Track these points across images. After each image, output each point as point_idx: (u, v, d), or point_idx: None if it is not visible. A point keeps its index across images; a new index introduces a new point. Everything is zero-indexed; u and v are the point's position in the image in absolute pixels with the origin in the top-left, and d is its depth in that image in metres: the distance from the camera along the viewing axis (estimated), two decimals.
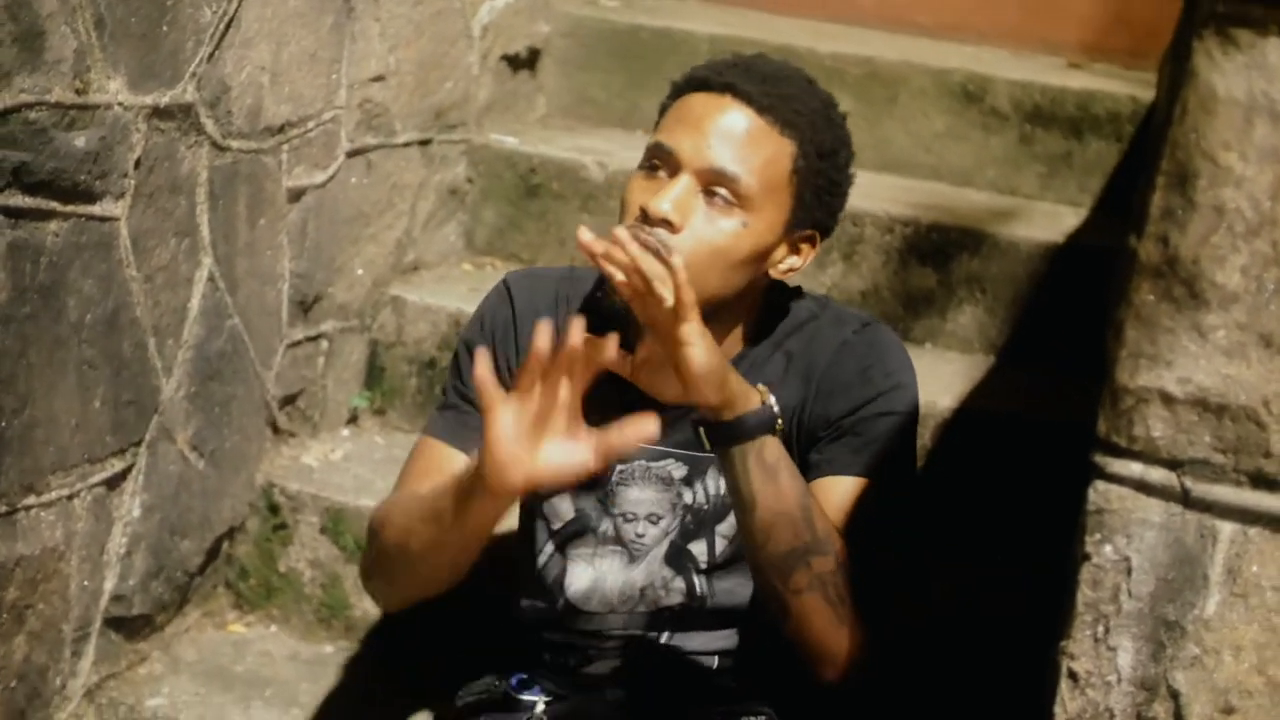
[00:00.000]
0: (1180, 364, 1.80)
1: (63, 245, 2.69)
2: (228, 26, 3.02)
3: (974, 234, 3.73)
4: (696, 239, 2.29)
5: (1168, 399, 1.82)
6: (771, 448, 2.24)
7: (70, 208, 2.70)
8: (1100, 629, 1.91)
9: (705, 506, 2.52)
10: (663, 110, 2.42)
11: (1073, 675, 1.93)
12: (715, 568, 2.51)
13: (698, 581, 2.53)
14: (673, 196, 2.29)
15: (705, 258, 2.30)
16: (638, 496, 2.52)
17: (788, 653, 2.41)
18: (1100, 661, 1.91)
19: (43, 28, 2.55)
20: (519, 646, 2.64)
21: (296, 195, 3.37)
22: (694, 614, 2.54)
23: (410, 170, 3.81)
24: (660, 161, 2.34)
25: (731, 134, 2.31)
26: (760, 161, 2.32)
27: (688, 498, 2.52)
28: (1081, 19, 4.48)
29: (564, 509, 2.56)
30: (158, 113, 2.87)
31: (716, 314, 2.34)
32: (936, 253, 3.73)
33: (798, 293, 2.56)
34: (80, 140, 2.68)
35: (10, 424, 2.63)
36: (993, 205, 3.95)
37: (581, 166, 3.96)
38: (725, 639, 2.55)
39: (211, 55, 2.99)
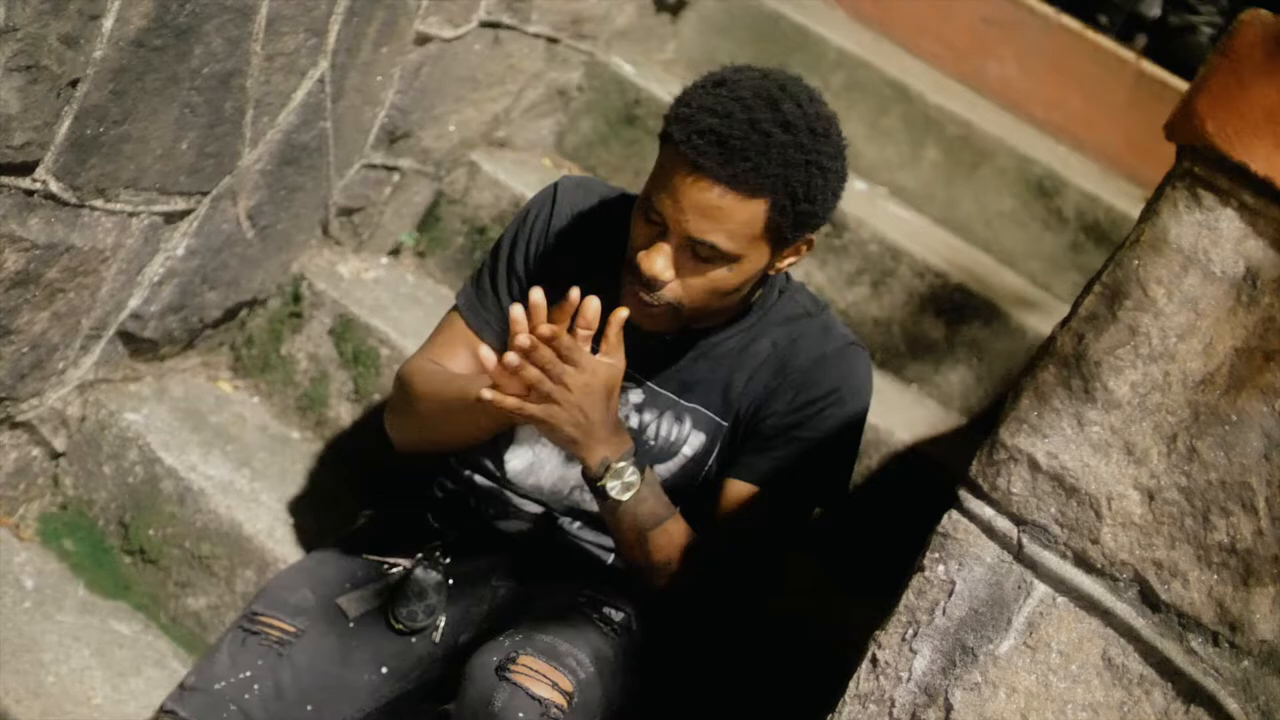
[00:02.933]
0: (1054, 441, 2.08)
1: (209, 1, 2.99)
2: None
3: (992, 308, 4.00)
4: (687, 286, 2.59)
5: (1034, 465, 2.09)
6: (609, 506, 2.63)
7: None
8: (910, 631, 2.19)
9: (651, 443, 2.79)
10: (661, 140, 2.59)
11: (874, 660, 2.21)
12: None
13: None
14: (661, 260, 2.56)
15: (700, 295, 2.61)
16: None
17: None
18: (900, 657, 2.19)
19: None
20: (451, 483, 2.94)
21: (423, 40, 3.67)
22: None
23: (530, 59, 4.09)
24: (654, 215, 2.56)
25: (704, 208, 2.51)
26: (734, 225, 2.52)
27: (634, 422, 2.79)
28: (1170, 163, 4.68)
29: None
30: None
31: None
32: (954, 310, 4.00)
33: (801, 288, 2.84)
34: None
35: (109, 131, 2.93)
36: (1021, 291, 4.21)
37: None
38: None
39: None
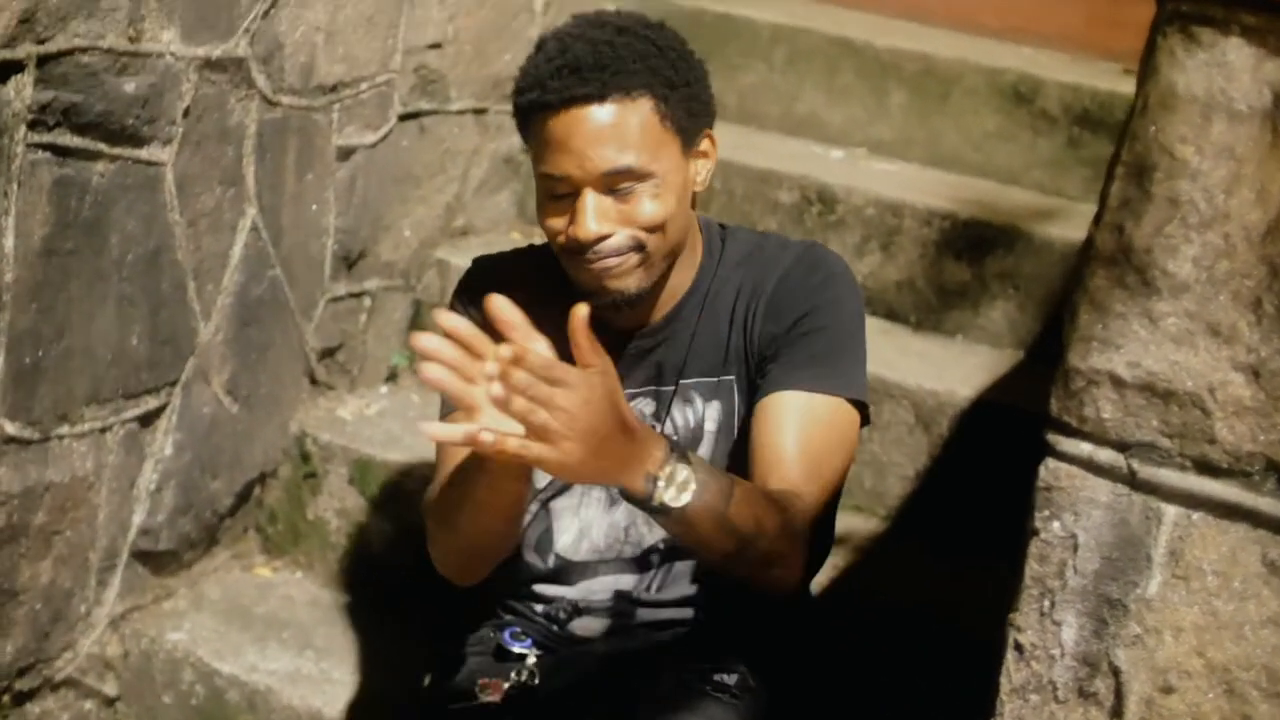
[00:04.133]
0: (1130, 348, 1.86)
1: (108, 185, 2.80)
2: None
3: (1009, 231, 3.78)
4: (630, 222, 2.41)
5: (1117, 382, 1.87)
6: (675, 516, 2.24)
7: (117, 150, 2.81)
8: (1046, 603, 1.96)
9: (674, 437, 2.58)
10: (523, 130, 2.49)
11: (1019, 647, 1.98)
12: None
13: None
14: (588, 216, 2.40)
15: (646, 225, 2.42)
16: None
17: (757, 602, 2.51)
18: (1045, 635, 1.97)
19: None
20: (514, 601, 2.72)
21: (346, 154, 3.47)
22: (679, 549, 2.59)
23: (464, 137, 3.90)
24: (559, 187, 2.42)
25: (598, 133, 2.38)
26: (632, 136, 2.39)
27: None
28: (1140, 27, 4.47)
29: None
30: (209, 64, 2.97)
31: (677, 259, 2.52)
32: (972, 248, 3.78)
33: (740, 231, 2.68)
34: (130, 85, 2.79)
35: (47, 352, 2.75)
36: (1034, 205, 3.99)
37: None
38: (705, 585, 2.61)
39: (267, 12, 3.10)
